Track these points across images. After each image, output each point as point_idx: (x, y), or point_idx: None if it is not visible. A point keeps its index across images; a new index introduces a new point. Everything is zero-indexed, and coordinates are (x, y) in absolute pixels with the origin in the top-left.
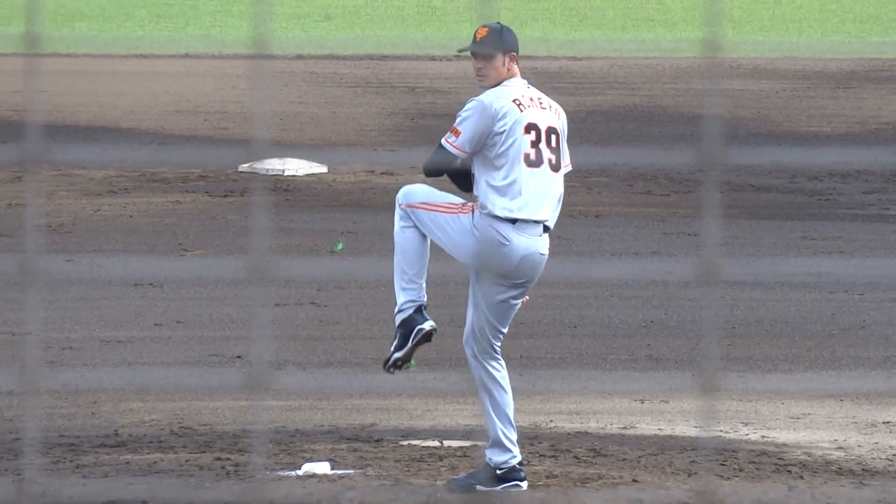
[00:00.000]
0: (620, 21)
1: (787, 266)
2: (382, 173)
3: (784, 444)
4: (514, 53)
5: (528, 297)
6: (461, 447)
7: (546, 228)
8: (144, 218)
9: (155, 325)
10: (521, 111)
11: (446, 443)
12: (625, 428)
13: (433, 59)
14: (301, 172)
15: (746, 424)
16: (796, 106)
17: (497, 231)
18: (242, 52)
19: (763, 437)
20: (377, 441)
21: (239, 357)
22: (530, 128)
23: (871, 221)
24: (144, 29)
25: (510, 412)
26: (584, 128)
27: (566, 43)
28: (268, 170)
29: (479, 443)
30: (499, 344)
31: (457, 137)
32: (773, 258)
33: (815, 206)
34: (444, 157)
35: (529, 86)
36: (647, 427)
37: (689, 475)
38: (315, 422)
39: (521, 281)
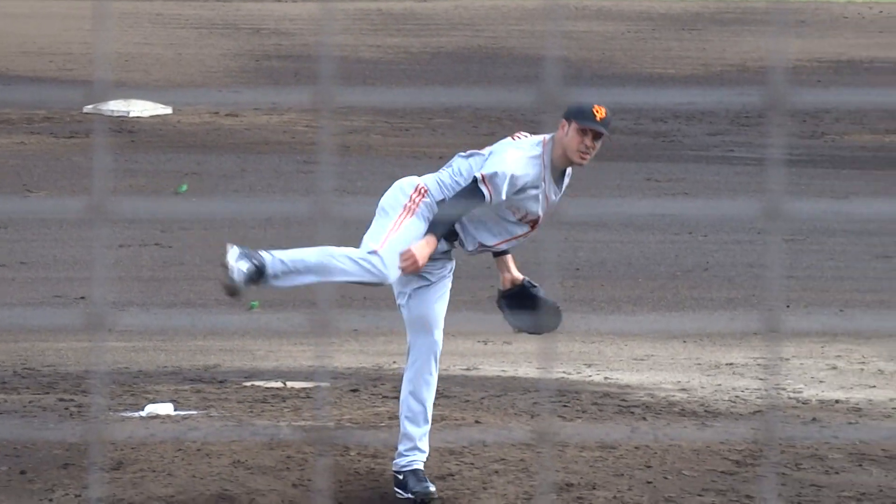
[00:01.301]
0: None
1: (630, 207)
2: (227, 115)
3: (627, 386)
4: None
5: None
6: (304, 388)
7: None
8: None
9: None
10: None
11: (289, 384)
12: (468, 369)
13: (278, 0)
14: (146, 114)
15: (590, 366)
16: (641, 48)
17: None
18: None
19: (606, 378)
20: (220, 382)
21: (83, 298)
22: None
23: (715, 163)
24: None
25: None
26: (428, 69)
27: None
28: (112, 111)
29: (321, 384)
30: None
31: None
32: (616, 199)
33: (659, 147)
34: (475, 192)
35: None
36: (490, 368)
37: (532, 416)
38: (158, 363)
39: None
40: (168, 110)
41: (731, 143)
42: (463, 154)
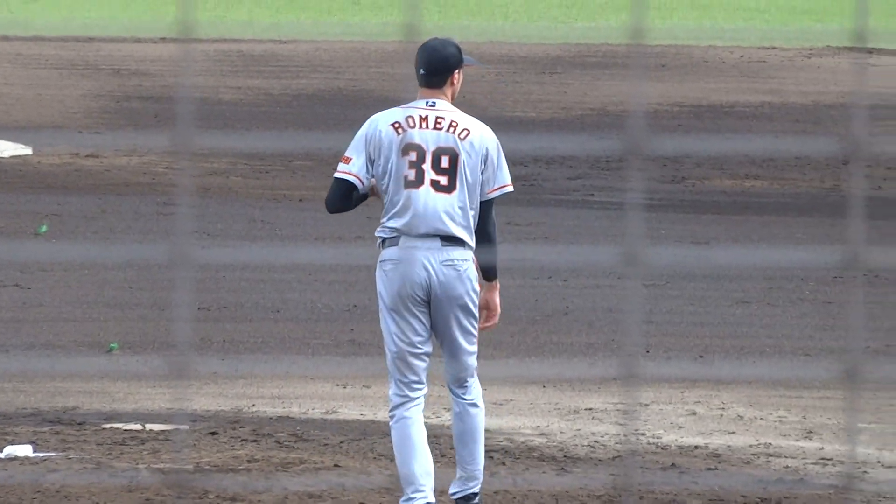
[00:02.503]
0: (326, 4)
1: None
2: (87, 156)
3: (486, 431)
4: (421, 72)
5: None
6: (162, 430)
7: (454, 240)
8: None
9: None
10: (398, 133)
11: (148, 426)
12: (327, 412)
13: (138, 41)
14: (6, 154)
15: (449, 410)
16: (502, 91)
17: (382, 261)
18: None
19: None
20: (80, 424)
21: None
22: (409, 149)
23: (576, 207)
24: None
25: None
26: (289, 111)
27: (272, 26)
28: None
29: (180, 426)
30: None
31: (347, 164)
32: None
33: (519, 191)
34: (339, 187)
35: (433, 104)
36: (349, 412)
37: (391, 460)
38: (17, 404)
39: (438, 292)
40: (28, 150)
41: (592, 188)
42: None
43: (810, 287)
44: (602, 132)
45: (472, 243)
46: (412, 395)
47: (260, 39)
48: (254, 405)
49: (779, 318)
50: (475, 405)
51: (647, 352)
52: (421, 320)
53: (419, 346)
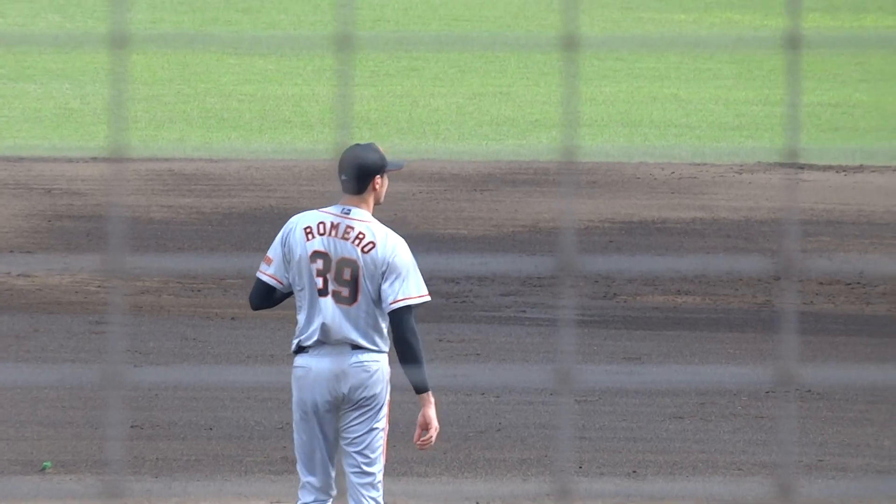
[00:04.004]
0: (258, 123)
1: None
2: (19, 275)
3: None
4: (342, 178)
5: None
6: None
7: (361, 348)
8: None
9: None
10: (308, 239)
11: None
12: None
13: (70, 160)
14: None
15: None
16: (433, 208)
17: (294, 368)
18: None
19: None
20: None
21: None
22: (316, 256)
23: (508, 324)
24: None
25: None
26: (220, 229)
27: (202, 145)
28: None
29: None
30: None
31: (268, 265)
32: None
33: (451, 308)
34: (259, 287)
35: (349, 211)
36: None
37: None
38: None
39: (349, 397)
40: None
41: (524, 304)
42: None
43: (743, 402)
44: (534, 249)
45: (385, 347)
46: (320, 497)
47: (191, 158)
48: None
49: (712, 433)
50: None
51: (580, 467)
52: (330, 426)
53: (325, 451)
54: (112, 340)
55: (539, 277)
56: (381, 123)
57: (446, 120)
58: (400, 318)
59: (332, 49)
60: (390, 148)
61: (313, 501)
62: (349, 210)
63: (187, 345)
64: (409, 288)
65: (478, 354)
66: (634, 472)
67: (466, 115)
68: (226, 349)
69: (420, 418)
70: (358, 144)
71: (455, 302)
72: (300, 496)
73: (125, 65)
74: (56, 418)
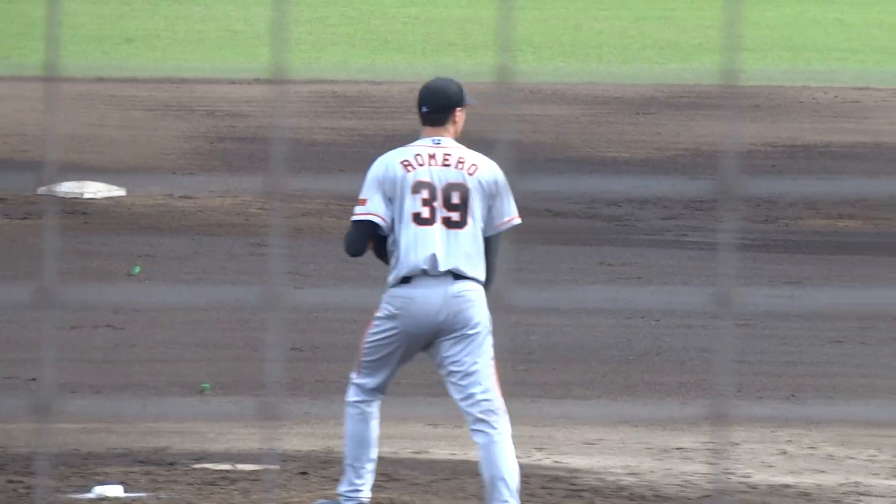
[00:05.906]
0: (421, 46)
1: (584, 292)
2: (181, 197)
3: (576, 470)
4: (422, 109)
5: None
6: (253, 471)
7: (466, 276)
8: None
9: None
10: (409, 171)
11: (239, 466)
12: (417, 452)
13: (233, 83)
14: (99, 195)
15: (540, 450)
16: (595, 131)
17: (393, 297)
18: (39, 74)
19: (556, 462)
20: (170, 464)
21: (34, 380)
22: (419, 187)
23: (669, 247)
24: None
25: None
26: (382, 152)
27: (366, 67)
28: (66, 192)
29: (270, 466)
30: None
31: (364, 206)
32: (570, 283)
33: (612, 231)
34: (360, 230)
35: (438, 141)
36: (440, 451)
37: (480, 500)
38: (108, 444)
39: (451, 327)
40: (122, 192)
41: (685, 228)
42: None
43: None
44: (695, 173)
45: (483, 277)
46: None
47: (354, 80)
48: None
49: (871, 357)
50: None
51: (739, 391)
52: (414, 351)
53: (395, 369)
54: (272, 262)
55: (700, 201)
56: (544, 46)
57: (609, 43)
58: (497, 240)
59: None
60: (553, 71)
61: (363, 400)
62: (438, 140)
63: (347, 267)
64: (512, 208)
65: (639, 278)
66: (793, 395)
67: (629, 38)
68: (385, 271)
69: None
70: (439, 77)
71: (617, 225)
72: (353, 395)
73: None
74: (215, 340)
